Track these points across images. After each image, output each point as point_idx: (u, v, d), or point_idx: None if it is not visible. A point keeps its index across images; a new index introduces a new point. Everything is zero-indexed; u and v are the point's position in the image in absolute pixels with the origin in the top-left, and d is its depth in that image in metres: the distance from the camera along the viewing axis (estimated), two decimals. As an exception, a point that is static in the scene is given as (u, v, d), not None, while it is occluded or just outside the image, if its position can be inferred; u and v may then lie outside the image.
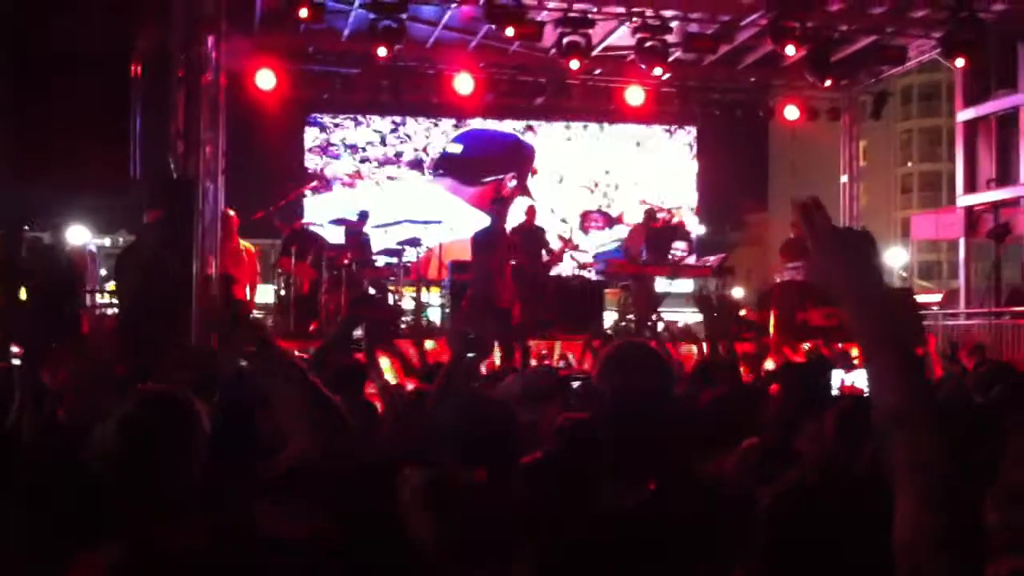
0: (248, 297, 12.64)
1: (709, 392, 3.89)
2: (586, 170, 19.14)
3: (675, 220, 17.67)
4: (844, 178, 17.80)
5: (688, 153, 19.59)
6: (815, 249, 1.75)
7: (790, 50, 13.81)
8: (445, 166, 18.41)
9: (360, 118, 18.25)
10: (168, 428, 2.56)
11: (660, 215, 15.29)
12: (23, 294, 10.67)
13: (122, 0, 9.53)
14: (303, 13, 12.09)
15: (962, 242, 16.58)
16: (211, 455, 2.72)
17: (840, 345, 12.65)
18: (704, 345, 5.73)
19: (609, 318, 14.67)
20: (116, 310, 10.89)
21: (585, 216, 18.70)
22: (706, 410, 3.72)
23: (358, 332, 6.89)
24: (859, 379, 6.41)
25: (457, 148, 18.54)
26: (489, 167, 18.48)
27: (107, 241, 13.73)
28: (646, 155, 19.31)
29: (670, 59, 14.45)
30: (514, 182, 18.51)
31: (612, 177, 19.24)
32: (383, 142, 18.39)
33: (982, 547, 1.65)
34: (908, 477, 1.58)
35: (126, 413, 2.57)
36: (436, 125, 18.57)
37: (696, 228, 19.47)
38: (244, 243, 12.63)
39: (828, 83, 14.92)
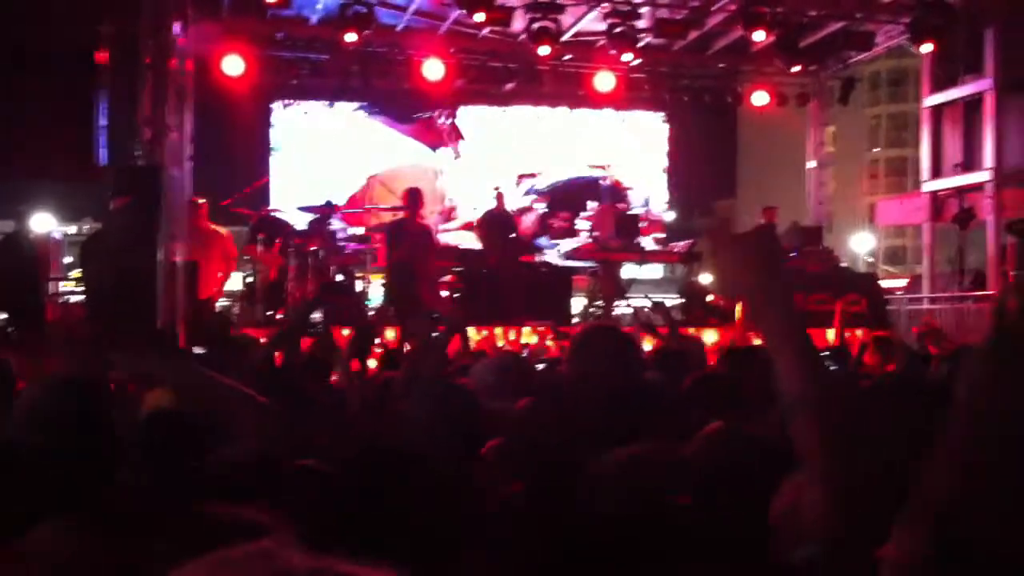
0: (220, 284, 12.55)
1: (689, 377, 3.90)
2: (552, 155, 19.10)
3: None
4: (812, 164, 17.91)
5: (657, 138, 19.59)
6: (719, 258, 1.85)
7: (759, 35, 13.87)
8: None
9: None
10: (73, 413, 2.50)
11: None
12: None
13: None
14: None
15: (926, 227, 16.72)
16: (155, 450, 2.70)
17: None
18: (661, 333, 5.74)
19: (577, 304, 14.69)
20: (82, 297, 10.80)
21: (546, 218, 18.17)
22: (683, 395, 3.73)
23: (317, 316, 6.89)
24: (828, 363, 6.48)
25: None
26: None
27: (72, 229, 13.61)
28: (615, 140, 19.30)
29: (640, 44, 14.47)
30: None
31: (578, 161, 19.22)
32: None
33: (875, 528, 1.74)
34: (807, 457, 1.71)
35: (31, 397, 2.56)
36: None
37: (665, 215, 19.50)
38: (215, 227, 12.49)
39: (797, 69, 15.02)
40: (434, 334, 4.53)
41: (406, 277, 11.68)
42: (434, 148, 18.36)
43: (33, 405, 2.53)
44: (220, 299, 13.15)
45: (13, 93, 10.30)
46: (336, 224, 13.94)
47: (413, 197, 12.11)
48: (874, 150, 61.63)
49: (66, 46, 10.27)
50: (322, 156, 17.98)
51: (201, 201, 12.26)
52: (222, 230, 12.65)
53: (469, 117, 18.65)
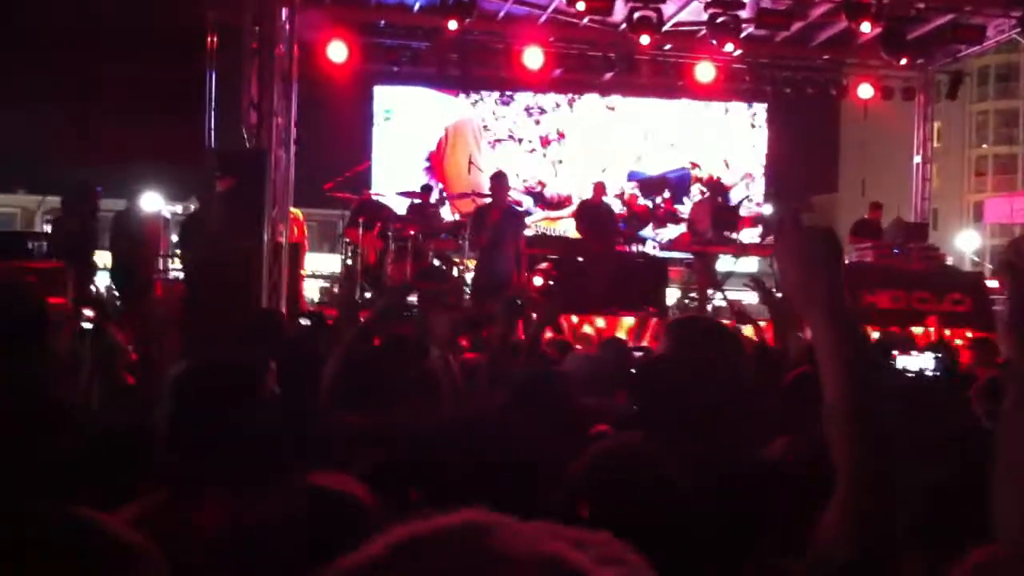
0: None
1: (791, 373, 3.86)
2: (655, 146, 19.01)
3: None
4: (917, 159, 17.51)
5: (757, 131, 19.38)
6: (786, 249, 1.80)
7: (865, 27, 13.59)
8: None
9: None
10: (222, 393, 2.54)
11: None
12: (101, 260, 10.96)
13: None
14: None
15: (1037, 227, 16.25)
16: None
17: (904, 328, 12.53)
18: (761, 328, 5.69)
19: (672, 296, 14.62)
20: (183, 276, 11.12)
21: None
22: (783, 391, 3.70)
23: (412, 299, 6.99)
24: (922, 362, 6.33)
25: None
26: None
27: (179, 208, 14.00)
28: (714, 131, 19.15)
29: (742, 35, 14.30)
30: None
31: (680, 152, 19.10)
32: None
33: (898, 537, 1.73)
34: (840, 461, 1.65)
35: (179, 376, 2.60)
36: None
37: (764, 208, 19.29)
38: (293, 210, 12.76)
39: (903, 62, 14.68)
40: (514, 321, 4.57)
41: (486, 263, 11.73)
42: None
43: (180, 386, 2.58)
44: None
45: (125, 77, 10.61)
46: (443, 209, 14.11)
47: (497, 181, 12.02)
48: (982, 146, 59.92)
49: (176, 32, 10.55)
50: (424, 141, 18.22)
51: None
52: (298, 212, 12.89)
53: (570, 106, 18.69)
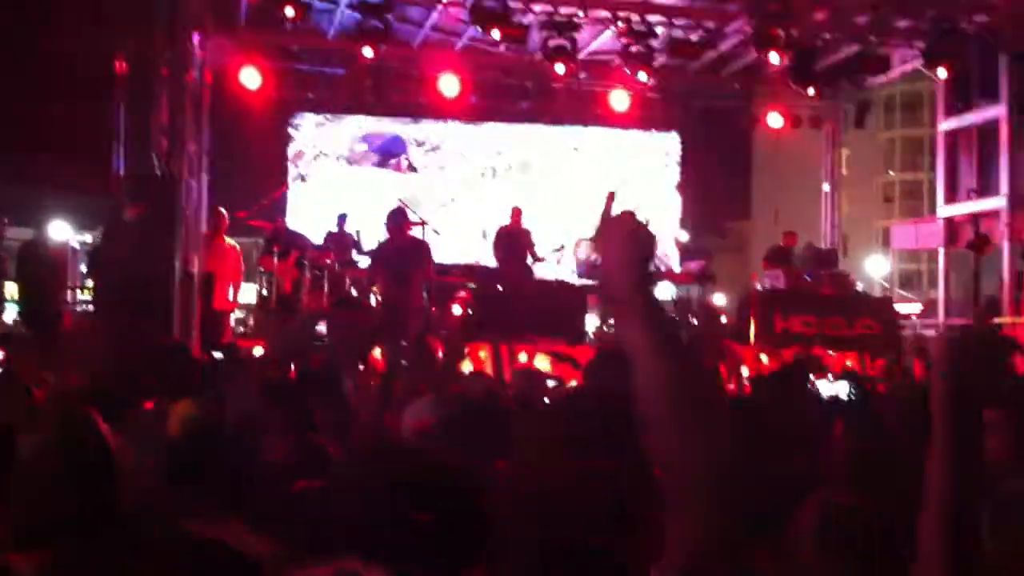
0: (232, 296, 12.63)
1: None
2: (567, 176, 19.11)
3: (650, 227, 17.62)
4: (826, 186, 17.91)
5: (669, 160, 19.60)
6: (603, 235, 1.87)
7: (774, 58, 13.88)
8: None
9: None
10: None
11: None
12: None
13: (106, 0, 9.50)
14: (289, 12, 12.06)
15: (942, 252, 16.69)
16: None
17: (819, 352, 12.75)
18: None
19: (591, 323, 14.68)
20: (92, 307, 10.84)
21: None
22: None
23: (321, 329, 6.92)
24: (838, 390, 6.39)
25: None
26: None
27: (88, 237, 13.69)
28: (626, 161, 19.32)
29: (655, 64, 14.50)
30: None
31: (592, 183, 19.21)
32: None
33: None
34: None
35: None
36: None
37: (678, 234, 19.49)
38: (230, 241, 12.64)
39: (812, 91, 15.01)
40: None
41: (392, 296, 11.68)
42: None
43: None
44: (234, 311, 13.22)
45: (32, 103, 10.37)
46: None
47: (394, 216, 12.02)
48: (888, 173, 61.51)
49: (85, 57, 10.34)
50: (337, 172, 18.07)
51: (223, 212, 12.41)
52: (235, 243, 12.77)
53: (486, 133, 18.71)
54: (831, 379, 7.15)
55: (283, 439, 3.86)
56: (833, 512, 2.29)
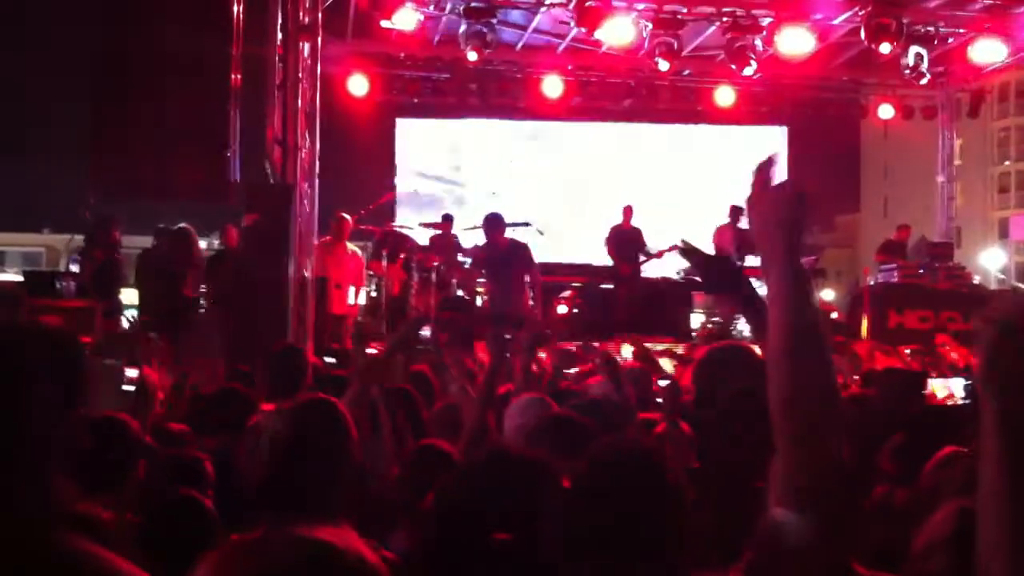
0: (353, 300, 12.85)
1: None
2: (671, 171, 19.00)
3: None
4: (941, 178, 17.43)
5: (778, 153, 19.33)
6: (755, 208, 1.91)
7: (885, 48, 13.55)
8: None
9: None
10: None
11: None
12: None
13: (222, 10, 9.76)
14: (396, 20, 12.22)
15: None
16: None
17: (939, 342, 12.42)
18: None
19: (697, 320, 14.56)
20: (209, 312, 11.12)
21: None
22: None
23: (425, 333, 6.99)
24: (954, 387, 6.17)
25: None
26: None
27: (204, 243, 14.06)
28: (733, 157, 19.12)
29: (760, 58, 14.29)
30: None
31: (699, 177, 19.06)
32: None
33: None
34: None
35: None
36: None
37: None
38: (351, 246, 12.90)
39: (924, 81, 14.63)
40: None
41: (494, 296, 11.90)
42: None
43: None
44: (356, 315, 13.46)
45: (149, 114, 10.64)
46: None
47: (490, 224, 12.16)
48: (1004, 163, 59.60)
49: (200, 67, 10.58)
50: (449, 171, 18.29)
51: (347, 217, 12.67)
52: (356, 249, 13.02)
53: (589, 133, 18.72)
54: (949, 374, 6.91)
55: (396, 442, 3.94)
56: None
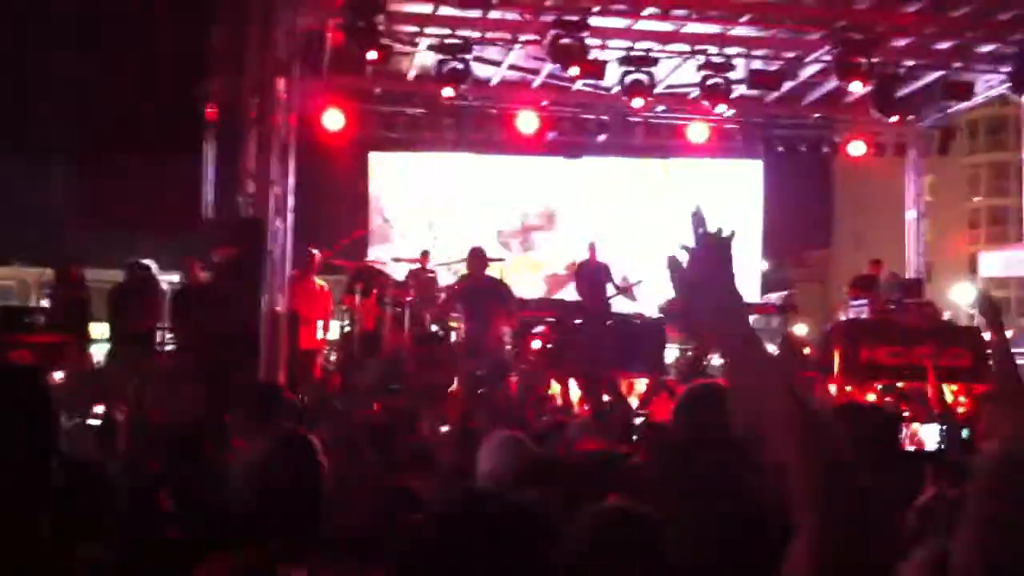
0: (321, 335, 12.83)
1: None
2: (647, 208, 19.09)
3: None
4: (911, 214, 17.60)
5: (750, 190, 19.46)
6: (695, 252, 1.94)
7: (855, 86, 13.73)
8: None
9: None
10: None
11: None
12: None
13: (197, 46, 9.79)
14: (371, 55, 12.27)
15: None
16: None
17: (908, 385, 12.48)
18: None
19: (671, 355, 14.58)
20: (178, 347, 11.04)
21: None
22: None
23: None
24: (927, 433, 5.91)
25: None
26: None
27: (176, 277, 13.96)
28: (706, 192, 19.22)
29: (733, 96, 14.44)
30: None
31: (671, 215, 19.14)
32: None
33: None
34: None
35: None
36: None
37: (759, 264, 19.34)
38: (320, 281, 12.89)
39: (894, 119, 14.80)
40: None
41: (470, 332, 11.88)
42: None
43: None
44: (324, 349, 13.42)
45: (124, 146, 10.64)
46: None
47: (475, 257, 12.27)
48: (974, 199, 60.25)
49: (175, 101, 10.61)
50: (419, 205, 18.30)
51: (316, 252, 12.66)
52: (324, 283, 13.00)
53: (562, 168, 18.79)
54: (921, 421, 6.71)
55: (370, 479, 3.93)
56: None
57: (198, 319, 9.94)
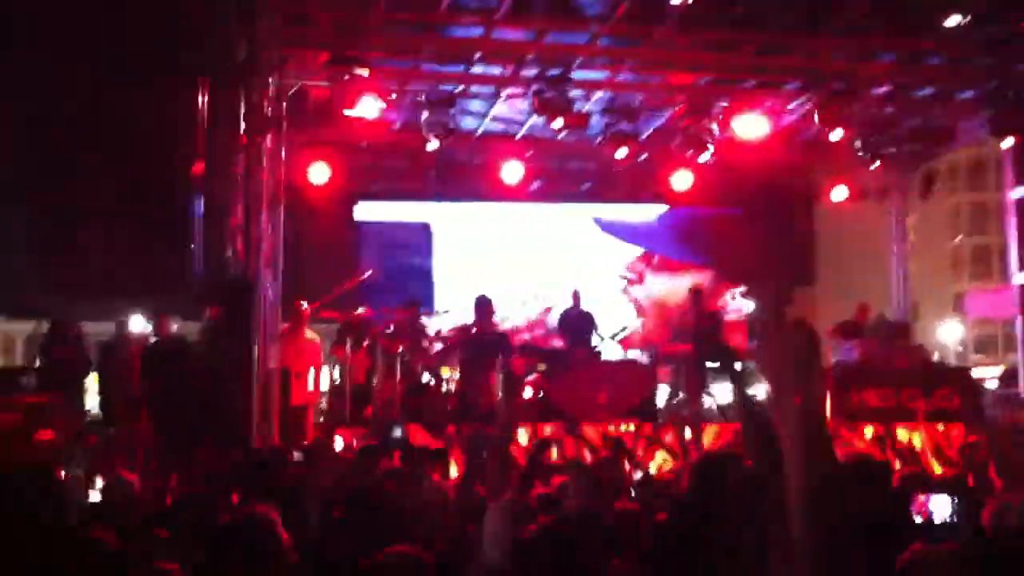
0: (312, 386, 12.78)
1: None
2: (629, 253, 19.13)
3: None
4: (894, 258, 17.75)
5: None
6: (766, 346, 1.96)
7: (837, 134, 13.87)
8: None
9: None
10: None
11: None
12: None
13: (183, 101, 9.84)
14: (356, 109, 12.33)
15: (1019, 321, 16.36)
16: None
17: (895, 427, 12.53)
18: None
19: (662, 398, 14.58)
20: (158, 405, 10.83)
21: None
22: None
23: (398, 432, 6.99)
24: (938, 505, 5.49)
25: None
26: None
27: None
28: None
29: (715, 142, 14.54)
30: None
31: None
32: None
33: None
34: None
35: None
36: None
37: (744, 307, 19.34)
38: (310, 334, 12.88)
39: (876, 165, 14.95)
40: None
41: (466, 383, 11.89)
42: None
43: None
44: (317, 402, 13.37)
45: (111, 201, 10.66)
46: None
47: (480, 307, 12.32)
48: (957, 238, 60.67)
49: (161, 157, 10.63)
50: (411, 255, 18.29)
51: (304, 305, 12.66)
52: (315, 336, 12.99)
53: (543, 216, 18.84)
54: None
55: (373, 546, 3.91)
56: None
57: (177, 380, 9.82)
